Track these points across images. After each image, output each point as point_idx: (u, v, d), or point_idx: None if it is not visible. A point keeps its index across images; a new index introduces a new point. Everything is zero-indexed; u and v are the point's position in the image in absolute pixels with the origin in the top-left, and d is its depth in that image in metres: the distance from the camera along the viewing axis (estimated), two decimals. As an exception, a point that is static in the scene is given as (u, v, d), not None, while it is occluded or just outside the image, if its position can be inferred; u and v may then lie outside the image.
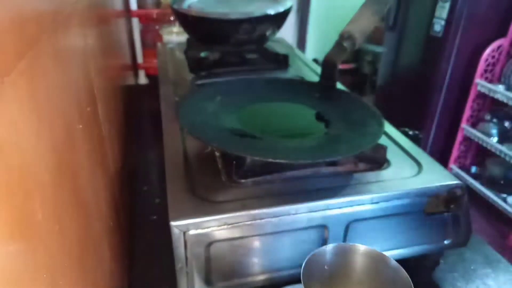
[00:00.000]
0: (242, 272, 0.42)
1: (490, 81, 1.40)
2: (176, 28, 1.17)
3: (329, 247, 0.38)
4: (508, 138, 1.45)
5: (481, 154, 1.55)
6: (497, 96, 1.36)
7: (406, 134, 0.55)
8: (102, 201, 0.44)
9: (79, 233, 0.32)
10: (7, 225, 0.18)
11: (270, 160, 0.41)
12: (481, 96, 1.44)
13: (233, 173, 0.44)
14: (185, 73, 0.74)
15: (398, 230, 0.46)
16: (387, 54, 1.64)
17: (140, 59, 1.31)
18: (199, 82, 0.71)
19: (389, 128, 0.56)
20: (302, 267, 0.35)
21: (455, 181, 0.45)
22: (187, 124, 0.46)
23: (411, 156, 0.50)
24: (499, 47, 1.35)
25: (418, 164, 0.48)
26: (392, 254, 0.45)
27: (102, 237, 0.41)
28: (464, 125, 1.48)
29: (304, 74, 0.75)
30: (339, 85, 0.65)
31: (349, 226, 0.43)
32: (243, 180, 0.44)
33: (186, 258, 0.39)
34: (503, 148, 1.37)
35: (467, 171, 1.56)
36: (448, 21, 1.31)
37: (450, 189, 0.45)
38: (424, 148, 1.50)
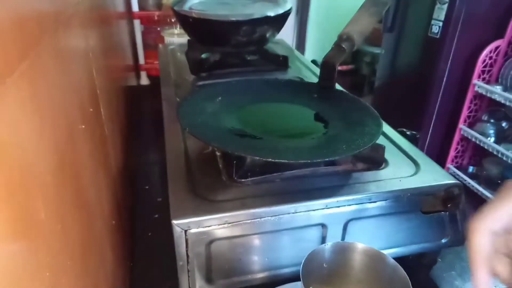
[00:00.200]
0: (242, 270, 0.42)
1: (488, 82, 1.40)
2: (177, 29, 1.18)
3: (328, 246, 0.38)
4: (505, 138, 1.46)
5: (478, 154, 1.56)
6: (495, 96, 1.37)
7: (404, 134, 0.56)
8: (104, 200, 0.44)
9: (81, 233, 0.32)
10: (9, 225, 0.18)
11: (270, 160, 0.41)
12: (479, 96, 1.45)
13: (233, 173, 0.44)
14: (186, 74, 0.75)
15: (396, 229, 0.46)
16: (385, 55, 1.65)
17: (142, 60, 1.32)
18: (200, 83, 0.71)
19: (387, 128, 0.57)
20: (301, 265, 0.35)
21: (452, 181, 0.46)
22: (188, 125, 0.47)
23: (409, 156, 0.51)
24: (496, 48, 1.36)
25: (416, 163, 0.49)
26: (390, 252, 0.46)
27: (104, 236, 0.42)
28: (461, 125, 1.48)
29: (304, 75, 0.75)
30: (338, 86, 0.65)
31: (347, 224, 0.44)
32: (243, 180, 0.44)
33: (187, 256, 0.39)
34: (500, 148, 1.37)
35: (464, 171, 1.56)
36: (446, 23, 1.32)
37: (448, 189, 0.45)
38: (421, 148, 1.51)
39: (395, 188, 0.44)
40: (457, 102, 1.47)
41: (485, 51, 1.35)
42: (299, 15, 2.22)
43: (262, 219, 0.40)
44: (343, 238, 0.44)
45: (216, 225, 0.39)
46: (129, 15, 1.23)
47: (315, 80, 0.69)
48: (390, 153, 0.50)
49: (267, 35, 0.77)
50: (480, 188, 1.47)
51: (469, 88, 1.42)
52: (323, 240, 0.43)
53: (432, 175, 0.46)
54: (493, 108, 1.48)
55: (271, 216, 0.41)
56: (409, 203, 0.45)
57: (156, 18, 1.27)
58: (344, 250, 0.39)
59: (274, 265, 0.43)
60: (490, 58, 1.37)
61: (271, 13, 0.72)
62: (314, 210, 0.42)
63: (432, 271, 0.51)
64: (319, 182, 0.45)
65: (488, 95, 1.38)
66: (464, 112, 1.47)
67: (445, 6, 1.31)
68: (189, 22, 0.75)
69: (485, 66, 1.38)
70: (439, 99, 1.45)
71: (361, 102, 0.58)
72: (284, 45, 0.94)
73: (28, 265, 0.20)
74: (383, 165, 0.49)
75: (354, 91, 0.63)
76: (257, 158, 0.43)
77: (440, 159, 1.57)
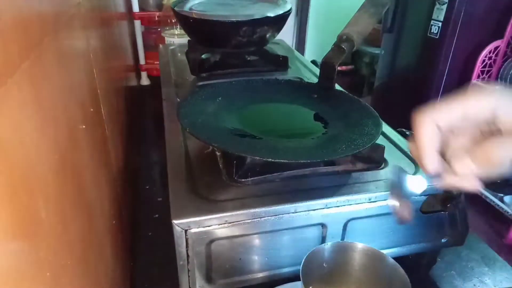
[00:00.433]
0: (242, 270, 0.42)
1: (487, 82, 1.41)
2: (178, 30, 1.18)
3: (328, 245, 0.38)
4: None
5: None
6: (495, 97, 1.37)
7: (403, 134, 0.56)
8: (105, 200, 0.44)
9: (82, 232, 0.32)
10: (10, 224, 0.18)
11: (270, 160, 0.41)
12: (479, 97, 1.45)
13: (233, 173, 0.44)
14: (187, 74, 0.75)
15: (396, 229, 0.46)
16: (384, 55, 1.65)
17: (142, 60, 1.32)
18: (200, 83, 0.71)
19: (386, 128, 0.57)
20: (301, 265, 0.35)
21: (451, 181, 0.46)
22: (188, 125, 0.47)
23: (408, 156, 0.51)
24: (496, 48, 1.36)
25: (415, 164, 0.49)
26: (390, 252, 0.46)
27: (105, 236, 0.42)
28: (462, 126, 1.49)
29: (303, 75, 0.76)
30: (338, 86, 0.66)
31: (347, 224, 0.44)
32: (243, 180, 0.44)
33: (188, 255, 0.40)
34: (501, 149, 1.37)
35: (465, 171, 1.56)
36: (445, 23, 1.32)
37: (447, 188, 0.45)
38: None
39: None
40: (457, 103, 1.47)
41: (485, 51, 1.35)
42: (299, 15, 2.22)
43: (262, 219, 0.41)
44: (343, 238, 0.44)
45: (216, 225, 0.39)
46: (130, 15, 1.24)
47: (315, 80, 0.69)
48: (390, 153, 0.51)
49: (267, 35, 0.77)
50: (480, 189, 1.47)
51: (469, 88, 1.42)
52: (323, 240, 0.44)
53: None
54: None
55: (271, 216, 0.41)
56: (408, 203, 0.45)
57: (156, 18, 1.27)
58: (344, 250, 0.39)
59: (274, 265, 0.43)
60: (490, 58, 1.37)
61: (271, 14, 0.72)
62: (314, 210, 0.42)
63: (431, 270, 0.51)
64: (319, 182, 0.45)
65: (488, 95, 1.38)
66: (464, 113, 1.47)
67: (444, 7, 1.31)
68: (189, 23, 0.75)
69: (484, 66, 1.38)
70: (438, 99, 1.45)
71: (361, 102, 0.58)
72: (284, 46, 0.95)
73: (28, 264, 0.20)
74: (383, 165, 0.49)
75: (354, 91, 0.63)
76: (257, 158, 0.43)
77: (440, 159, 1.56)
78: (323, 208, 0.42)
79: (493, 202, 1.44)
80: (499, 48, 1.36)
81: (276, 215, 0.41)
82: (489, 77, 1.41)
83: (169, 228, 0.39)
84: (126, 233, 0.55)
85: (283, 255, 0.43)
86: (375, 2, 0.63)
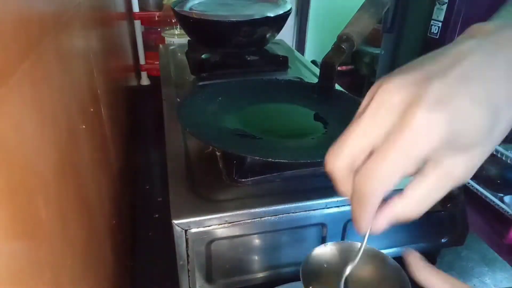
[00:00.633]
0: (242, 270, 0.42)
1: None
2: (178, 30, 1.18)
3: (328, 245, 0.38)
4: (504, 138, 1.46)
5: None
6: (495, 97, 1.37)
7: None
8: (105, 200, 0.44)
9: (82, 232, 0.32)
10: (10, 224, 0.18)
11: (270, 160, 0.41)
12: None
13: (233, 173, 0.44)
14: (187, 74, 0.75)
15: (395, 229, 0.46)
16: (384, 55, 1.65)
17: (142, 60, 1.32)
18: (201, 83, 0.71)
19: (386, 128, 0.57)
20: (302, 265, 0.35)
21: (451, 181, 0.46)
22: (188, 125, 0.47)
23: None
24: (496, 49, 1.36)
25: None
26: (390, 252, 0.46)
27: (105, 235, 0.42)
28: (462, 126, 1.49)
29: (303, 75, 0.75)
30: (338, 86, 0.66)
31: (347, 224, 0.44)
32: (243, 179, 0.44)
33: (188, 255, 0.40)
34: (500, 148, 1.38)
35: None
36: (445, 23, 1.32)
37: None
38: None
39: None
40: (457, 103, 1.47)
41: (485, 52, 1.35)
42: (299, 15, 2.22)
43: (262, 219, 0.41)
44: (343, 238, 0.44)
45: (216, 225, 0.39)
46: (130, 15, 1.24)
47: (315, 80, 0.69)
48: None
49: (267, 35, 0.77)
50: (480, 188, 1.47)
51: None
52: (323, 240, 0.44)
53: (431, 175, 0.46)
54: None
55: (271, 216, 0.41)
56: (408, 203, 0.45)
57: (156, 18, 1.28)
58: (344, 249, 0.39)
59: (274, 264, 0.43)
60: (490, 58, 1.37)
61: (271, 14, 0.72)
62: (314, 210, 0.42)
63: (431, 270, 0.51)
64: (319, 182, 0.45)
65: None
66: (464, 113, 1.47)
67: (444, 7, 1.31)
68: (189, 23, 0.75)
69: (484, 67, 1.38)
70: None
71: (361, 102, 0.58)
72: (284, 46, 0.95)
73: (29, 264, 0.20)
74: (383, 165, 0.49)
75: (354, 92, 0.63)
76: (257, 158, 0.43)
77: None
78: (323, 208, 0.42)
79: (493, 202, 1.44)
80: (499, 48, 1.36)
81: (276, 215, 0.41)
82: (489, 77, 1.41)
83: (169, 228, 0.39)
84: (126, 232, 0.55)
85: (283, 255, 0.43)
86: (375, 2, 0.63)
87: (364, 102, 0.25)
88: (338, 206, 0.43)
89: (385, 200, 0.26)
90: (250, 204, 0.41)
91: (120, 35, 0.94)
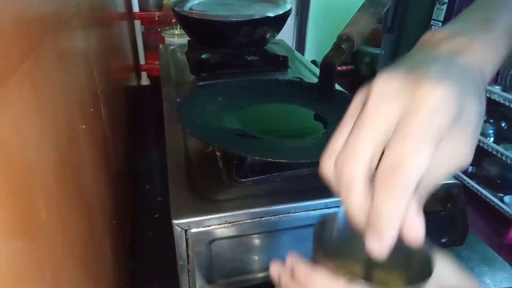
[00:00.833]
0: (242, 270, 0.42)
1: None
2: (178, 30, 1.18)
3: (341, 212, 0.33)
4: (504, 138, 1.46)
5: (478, 154, 1.56)
6: (494, 97, 1.37)
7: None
8: (105, 200, 0.44)
9: (82, 232, 0.32)
10: (10, 224, 0.18)
11: (270, 160, 0.41)
12: (478, 97, 1.45)
13: (233, 173, 0.44)
14: (187, 74, 0.75)
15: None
16: (384, 56, 1.65)
17: (142, 60, 1.32)
18: (201, 83, 0.71)
19: (387, 128, 0.57)
20: (313, 232, 0.32)
21: (451, 180, 0.46)
22: (188, 125, 0.47)
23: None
24: (496, 49, 1.36)
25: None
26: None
27: (105, 235, 0.42)
28: (461, 126, 1.49)
29: (303, 75, 0.75)
30: (338, 86, 0.66)
31: (347, 224, 0.44)
32: (243, 179, 0.44)
33: (188, 255, 0.40)
34: (500, 148, 1.38)
35: (464, 171, 1.57)
36: (445, 23, 1.32)
37: (447, 188, 0.45)
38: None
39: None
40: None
41: (485, 52, 1.35)
42: (299, 16, 2.22)
43: (262, 219, 0.41)
44: (342, 237, 0.44)
45: (216, 225, 0.39)
46: (130, 15, 1.24)
47: (315, 80, 0.69)
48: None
49: (267, 35, 0.77)
50: (480, 188, 1.47)
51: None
52: (323, 239, 0.44)
53: (431, 175, 0.46)
54: (493, 108, 1.48)
55: (271, 216, 0.41)
56: (408, 203, 0.45)
57: (156, 18, 1.28)
58: None
59: (274, 264, 0.43)
60: (490, 58, 1.37)
61: (271, 14, 0.72)
62: (314, 210, 0.42)
63: (431, 270, 0.51)
64: (319, 182, 0.45)
65: (488, 95, 1.39)
66: (464, 113, 1.47)
67: (444, 7, 1.31)
68: (189, 23, 0.75)
69: (484, 67, 1.38)
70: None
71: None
72: (284, 46, 0.95)
73: (29, 264, 0.20)
74: (383, 165, 0.49)
75: (354, 92, 0.63)
76: (257, 158, 0.43)
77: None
78: (323, 208, 0.42)
79: (493, 202, 1.44)
80: (499, 48, 1.36)
81: (276, 215, 0.41)
82: (489, 77, 1.41)
83: (169, 228, 0.39)
84: (126, 233, 0.55)
85: (283, 255, 0.43)
86: (375, 2, 0.63)
87: (352, 108, 0.24)
88: (338, 206, 0.43)
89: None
90: (250, 204, 0.41)
91: (120, 35, 0.94)
